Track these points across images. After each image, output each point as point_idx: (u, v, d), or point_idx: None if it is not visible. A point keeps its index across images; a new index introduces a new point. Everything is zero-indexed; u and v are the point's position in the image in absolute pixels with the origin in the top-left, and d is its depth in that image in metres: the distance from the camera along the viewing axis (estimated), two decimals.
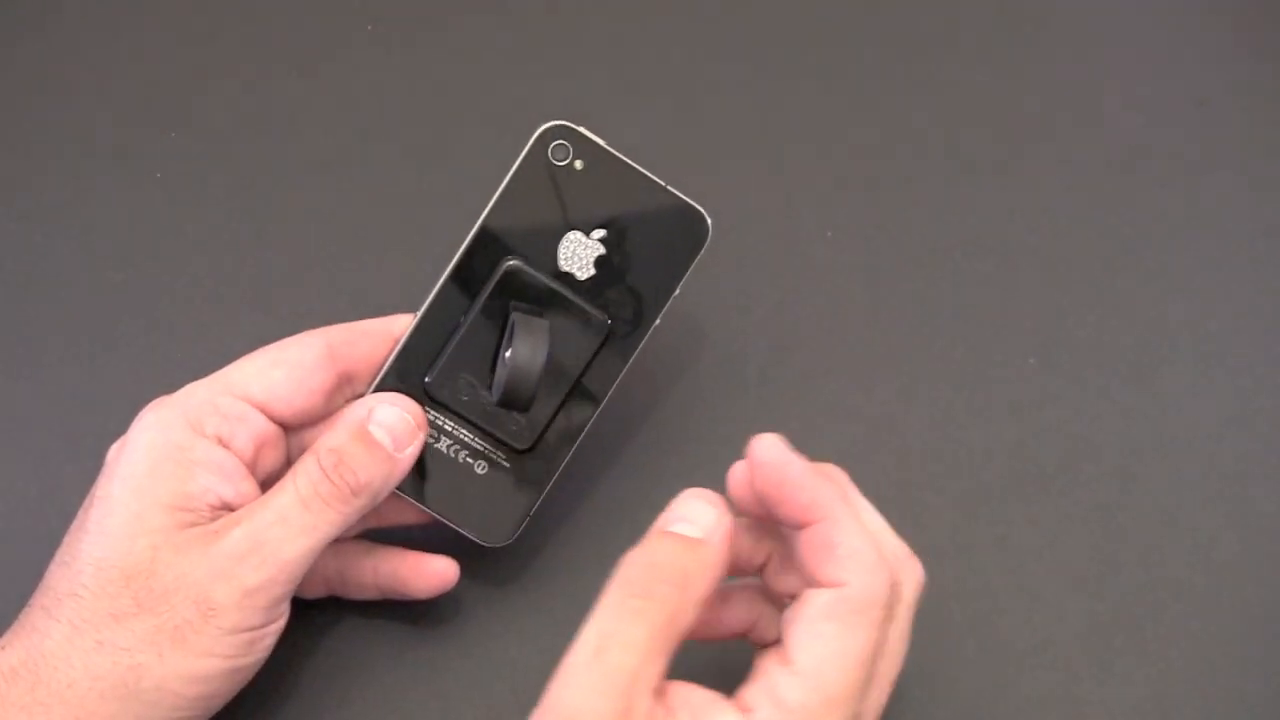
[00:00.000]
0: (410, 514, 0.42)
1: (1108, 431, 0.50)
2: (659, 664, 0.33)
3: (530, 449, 0.41)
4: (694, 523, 0.35)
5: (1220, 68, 0.62)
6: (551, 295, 0.40)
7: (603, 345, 0.41)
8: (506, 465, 0.41)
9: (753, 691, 0.34)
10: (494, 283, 0.40)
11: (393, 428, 0.38)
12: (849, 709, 0.34)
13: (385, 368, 0.40)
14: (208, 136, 0.58)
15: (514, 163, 0.40)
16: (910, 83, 0.61)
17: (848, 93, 0.61)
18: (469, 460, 0.41)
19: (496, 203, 0.40)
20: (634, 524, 0.42)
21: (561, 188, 0.40)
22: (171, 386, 0.50)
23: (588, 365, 0.41)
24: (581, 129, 0.40)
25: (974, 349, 0.52)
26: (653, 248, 0.40)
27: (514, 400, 0.39)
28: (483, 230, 0.40)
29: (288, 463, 0.40)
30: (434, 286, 0.40)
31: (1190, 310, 0.54)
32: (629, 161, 0.40)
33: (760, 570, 0.39)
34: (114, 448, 0.40)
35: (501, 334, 0.40)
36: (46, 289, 0.54)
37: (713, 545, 0.35)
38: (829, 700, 0.34)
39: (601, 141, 0.40)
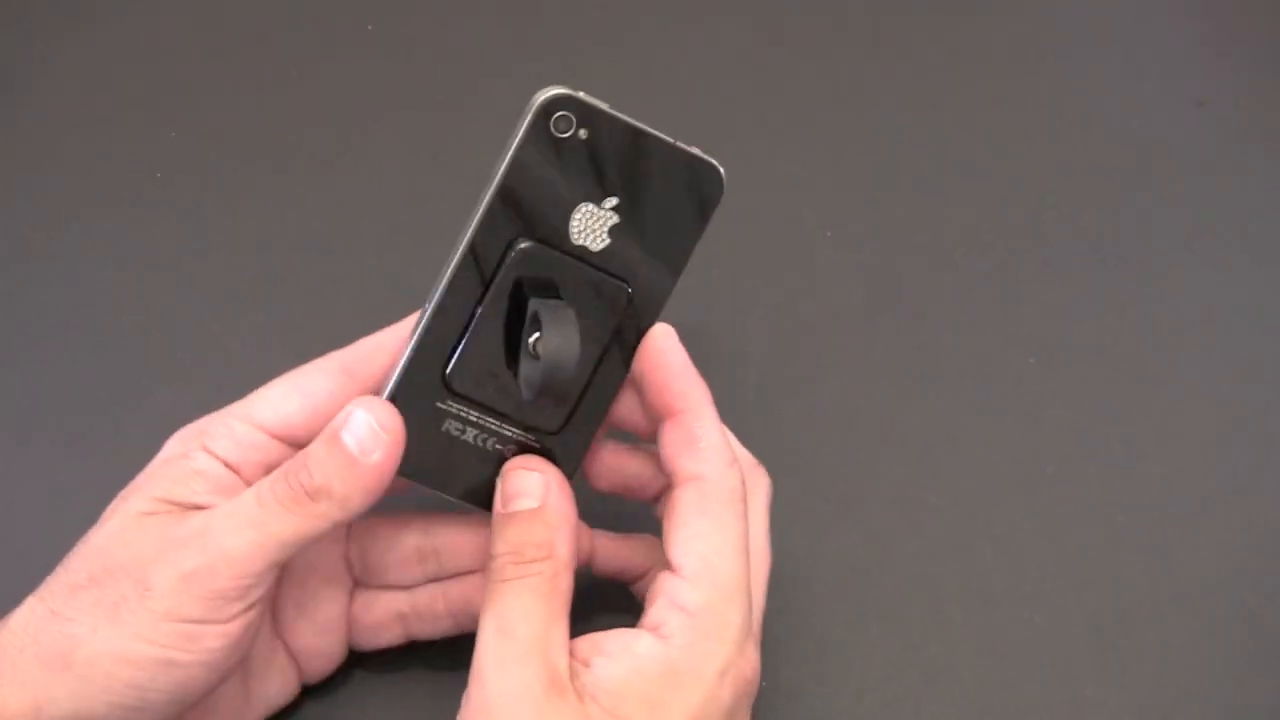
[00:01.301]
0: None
1: (1108, 431, 0.50)
2: (561, 625, 0.36)
3: (560, 429, 0.40)
4: (527, 494, 0.38)
5: (1220, 68, 0.62)
6: (567, 270, 0.38)
7: (625, 313, 0.39)
8: (537, 447, 0.40)
9: (656, 610, 0.36)
10: (507, 266, 0.38)
11: (356, 432, 0.37)
12: (744, 597, 0.37)
13: (400, 367, 0.39)
14: (208, 136, 0.58)
15: (515, 137, 0.37)
16: (910, 83, 0.61)
17: (848, 92, 0.61)
18: (498, 448, 0.40)
19: (501, 182, 0.37)
20: (634, 524, 0.42)
21: (568, 160, 0.37)
22: (171, 386, 0.51)
23: (612, 337, 0.39)
24: (583, 95, 0.37)
25: (974, 349, 0.52)
26: (667, 207, 0.39)
27: (552, 394, 0.37)
28: (489, 211, 0.38)
29: None
30: (443, 276, 0.38)
31: (1190, 310, 0.54)
32: (635, 123, 0.38)
33: (656, 500, 0.41)
34: None
35: (520, 318, 0.38)
36: (46, 289, 0.54)
37: (551, 506, 0.38)
38: (726, 592, 0.36)
39: (605, 106, 0.38)
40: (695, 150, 0.38)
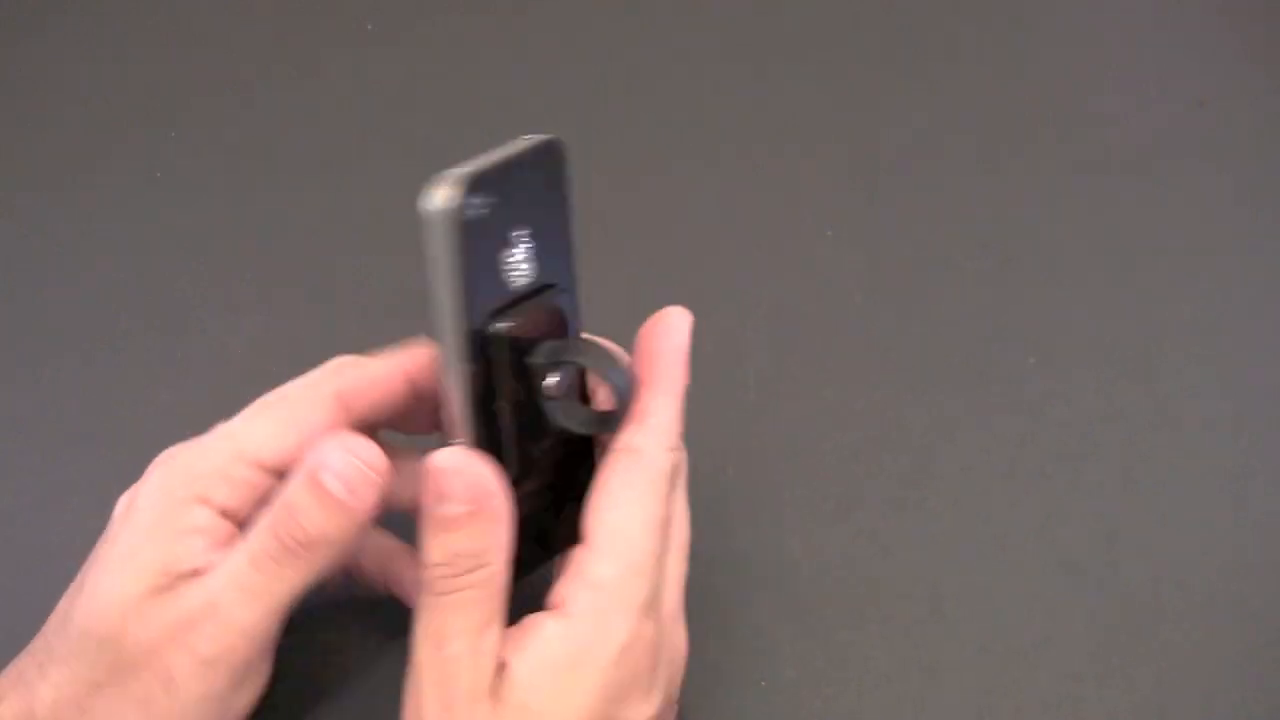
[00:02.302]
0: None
1: (1108, 431, 0.50)
2: (494, 627, 0.35)
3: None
4: (457, 498, 0.35)
5: (1220, 68, 0.62)
6: (531, 312, 0.37)
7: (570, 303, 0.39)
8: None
9: (564, 584, 0.36)
10: (496, 360, 0.37)
11: (343, 473, 0.36)
12: (653, 575, 0.36)
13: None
14: (208, 136, 0.58)
15: (449, 255, 0.35)
16: (911, 83, 0.61)
17: (848, 92, 0.61)
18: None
19: (461, 310, 0.36)
20: None
21: (481, 237, 0.36)
22: (171, 386, 0.51)
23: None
24: (461, 174, 0.35)
25: (974, 349, 0.52)
26: (542, 201, 0.37)
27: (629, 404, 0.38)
28: (461, 339, 0.36)
29: None
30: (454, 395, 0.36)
31: (1190, 309, 0.54)
32: (499, 157, 0.36)
33: None
34: (122, 500, 0.38)
35: (527, 379, 0.37)
36: (47, 289, 0.54)
37: (486, 509, 0.35)
38: (634, 567, 0.35)
39: (476, 167, 0.36)
40: (530, 142, 0.37)
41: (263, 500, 0.37)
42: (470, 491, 0.35)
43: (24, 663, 0.37)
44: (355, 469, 0.36)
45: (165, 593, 0.36)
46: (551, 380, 0.37)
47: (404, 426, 0.41)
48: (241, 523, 0.37)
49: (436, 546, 0.35)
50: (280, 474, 0.37)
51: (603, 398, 0.40)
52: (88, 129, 0.58)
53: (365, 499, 0.36)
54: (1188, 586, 0.46)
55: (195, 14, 0.63)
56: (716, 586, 0.45)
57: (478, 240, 0.35)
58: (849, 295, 0.54)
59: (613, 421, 0.38)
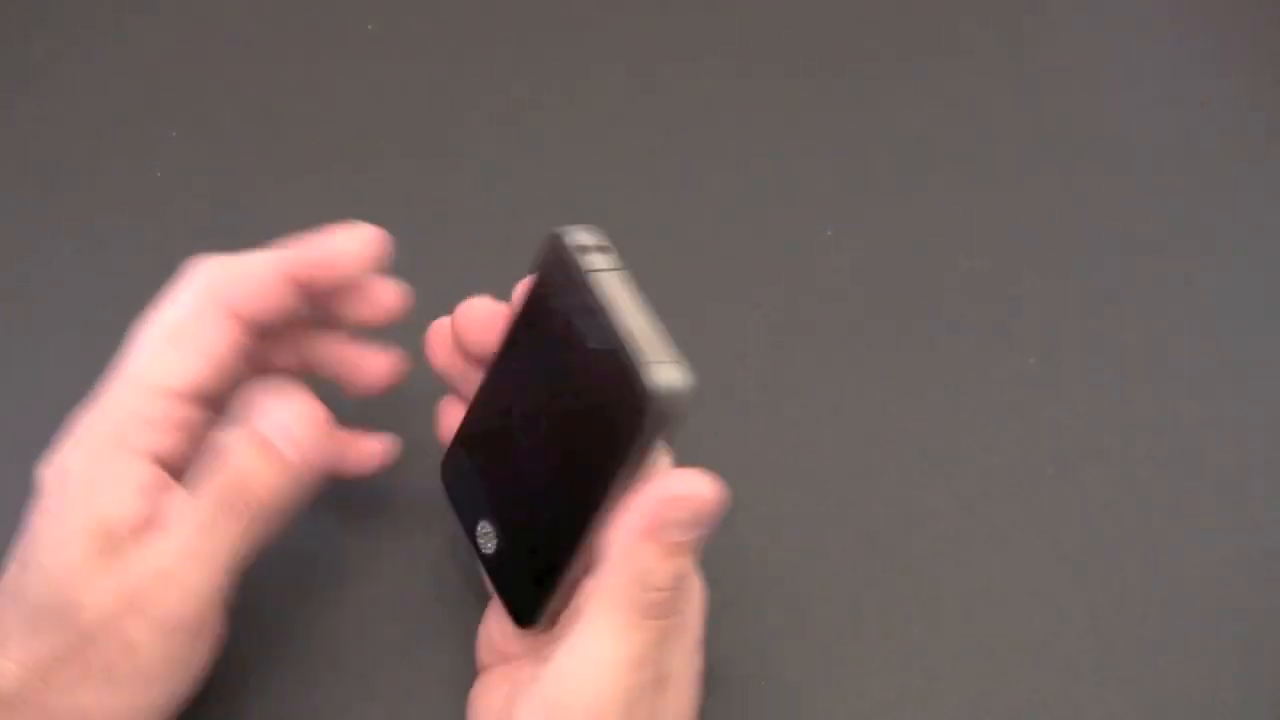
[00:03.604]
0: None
1: (1108, 431, 0.50)
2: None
3: None
4: (707, 527, 0.35)
5: (1220, 68, 0.62)
6: None
7: None
8: None
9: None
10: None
11: (288, 429, 0.36)
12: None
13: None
14: (208, 136, 0.58)
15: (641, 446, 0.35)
16: (910, 82, 0.61)
17: (847, 92, 0.61)
18: None
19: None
20: None
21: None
22: None
23: None
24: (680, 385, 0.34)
25: (974, 349, 0.52)
26: None
27: None
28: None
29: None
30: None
31: (1190, 310, 0.54)
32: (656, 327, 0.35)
33: None
34: (47, 470, 0.38)
35: None
36: (46, 289, 0.54)
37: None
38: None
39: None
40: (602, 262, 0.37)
41: (187, 433, 0.37)
42: (714, 521, 0.35)
43: None
44: (299, 428, 0.36)
45: (112, 557, 0.35)
46: None
47: (294, 320, 0.41)
48: (171, 460, 0.37)
49: (670, 571, 0.34)
50: (195, 400, 0.37)
51: None
52: (88, 128, 0.58)
53: (312, 457, 0.36)
54: (1187, 586, 0.46)
55: (195, 13, 0.63)
56: (716, 586, 0.45)
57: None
58: (849, 295, 0.54)
59: None
